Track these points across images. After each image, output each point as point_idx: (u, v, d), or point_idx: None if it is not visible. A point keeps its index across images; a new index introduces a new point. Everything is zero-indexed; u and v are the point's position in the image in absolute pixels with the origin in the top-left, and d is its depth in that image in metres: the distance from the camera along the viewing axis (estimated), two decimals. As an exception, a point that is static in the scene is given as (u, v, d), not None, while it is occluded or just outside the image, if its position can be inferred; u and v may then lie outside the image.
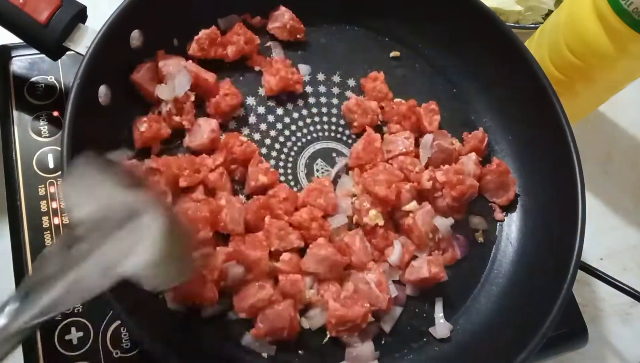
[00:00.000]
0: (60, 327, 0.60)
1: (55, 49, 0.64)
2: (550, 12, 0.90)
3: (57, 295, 0.37)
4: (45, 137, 0.69)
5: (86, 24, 0.65)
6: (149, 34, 0.66)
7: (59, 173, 0.67)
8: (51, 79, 0.72)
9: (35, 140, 0.68)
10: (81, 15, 0.65)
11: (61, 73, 0.72)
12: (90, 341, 0.60)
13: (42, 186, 0.66)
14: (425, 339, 0.63)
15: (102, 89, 0.62)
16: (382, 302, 0.59)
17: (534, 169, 0.71)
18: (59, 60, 0.71)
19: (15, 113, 0.69)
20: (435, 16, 0.75)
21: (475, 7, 0.72)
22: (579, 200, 0.63)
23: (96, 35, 0.60)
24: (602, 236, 0.80)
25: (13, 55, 0.72)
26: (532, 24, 0.89)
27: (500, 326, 0.63)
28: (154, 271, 0.41)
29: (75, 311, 0.61)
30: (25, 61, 0.72)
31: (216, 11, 0.72)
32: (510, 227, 0.70)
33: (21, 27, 0.63)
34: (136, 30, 0.65)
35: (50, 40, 0.63)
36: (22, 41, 0.72)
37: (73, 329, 0.60)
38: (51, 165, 0.67)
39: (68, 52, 0.66)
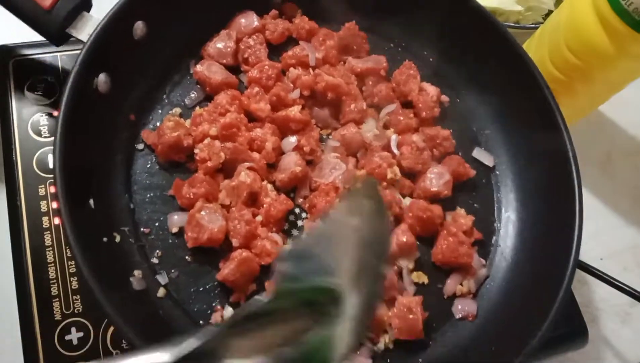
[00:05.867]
0: (60, 327, 0.60)
1: (57, 35, 0.65)
2: (550, 12, 0.90)
3: None
4: (45, 137, 0.69)
5: (92, 12, 0.66)
6: (153, 25, 0.66)
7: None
8: (51, 79, 0.72)
9: (35, 140, 0.68)
10: (86, 3, 0.65)
11: (61, 73, 0.72)
12: (91, 341, 0.60)
13: (42, 186, 0.66)
14: (420, 345, 0.63)
15: (102, 77, 0.62)
16: None
17: (533, 182, 0.70)
18: (59, 60, 0.72)
19: (15, 113, 0.69)
20: (441, 25, 0.75)
21: (483, 17, 0.72)
22: (576, 209, 0.62)
23: (99, 23, 0.61)
24: (602, 236, 0.79)
25: (13, 55, 0.72)
26: (532, 24, 0.89)
27: (496, 330, 0.63)
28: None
29: (76, 311, 0.61)
30: (25, 61, 0.72)
31: (225, 9, 0.73)
32: (506, 242, 0.69)
33: (24, 12, 0.64)
34: (140, 22, 0.65)
35: (53, 26, 0.63)
36: (22, 41, 0.73)
37: (73, 329, 0.61)
38: (51, 165, 0.67)
39: (71, 51, 0.66)
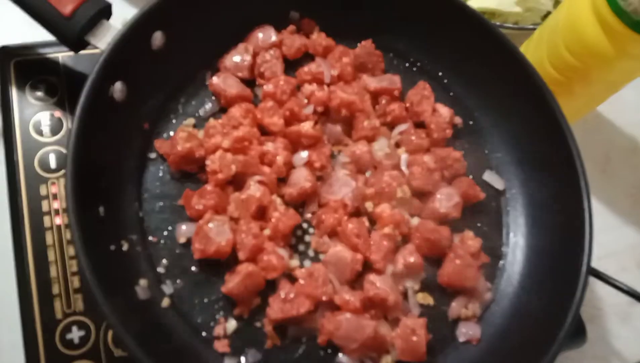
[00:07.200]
0: (61, 325, 0.61)
1: (75, 42, 0.65)
2: (549, 13, 0.90)
3: None
4: (47, 137, 0.69)
5: (111, 21, 0.66)
6: (171, 36, 0.67)
7: (61, 173, 0.67)
8: (52, 79, 0.72)
9: (37, 140, 0.69)
10: (106, 11, 0.66)
11: (62, 73, 0.72)
12: (92, 340, 0.61)
13: (44, 186, 0.66)
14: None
15: (118, 85, 0.62)
16: None
17: (543, 208, 0.69)
18: (60, 60, 0.72)
19: (17, 113, 0.70)
20: (458, 48, 0.74)
21: (504, 45, 0.71)
22: (585, 240, 0.62)
23: (118, 32, 0.61)
24: (601, 236, 0.79)
25: (14, 55, 0.72)
26: (530, 25, 0.89)
27: (500, 355, 0.62)
28: None
29: (77, 310, 0.62)
30: (27, 61, 0.73)
31: (244, 21, 0.73)
32: (513, 267, 0.69)
33: (45, 17, 0.64)
34: (159, 32, 0.65)
35: (72, 33, 0.64)
36: (22, 42, 0.73)
37: (74, 328, 0.61)
38: (53, 165, 0.68)
39: (81, 52, 0.66)
